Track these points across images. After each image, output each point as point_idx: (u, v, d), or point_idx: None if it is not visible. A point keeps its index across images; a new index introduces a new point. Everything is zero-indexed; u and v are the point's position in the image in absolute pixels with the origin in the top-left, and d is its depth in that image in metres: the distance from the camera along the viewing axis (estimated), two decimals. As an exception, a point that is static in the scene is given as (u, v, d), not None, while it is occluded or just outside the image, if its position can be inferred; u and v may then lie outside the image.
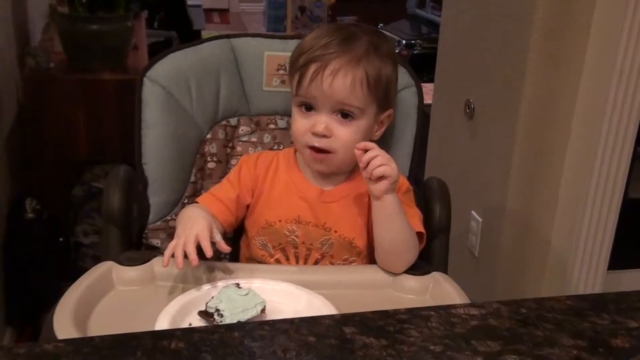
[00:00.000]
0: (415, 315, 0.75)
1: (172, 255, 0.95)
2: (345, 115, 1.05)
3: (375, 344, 0.69)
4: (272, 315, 0.92)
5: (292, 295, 0.96)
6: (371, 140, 1.08)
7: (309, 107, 1.06)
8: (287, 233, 1.09)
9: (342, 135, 1.05)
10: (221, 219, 1.08)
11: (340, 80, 1.02)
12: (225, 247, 0.98)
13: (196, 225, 0.98)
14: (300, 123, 1.07)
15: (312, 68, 1.03)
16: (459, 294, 0.99)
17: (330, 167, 1.09)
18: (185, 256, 0.95)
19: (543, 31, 1.49)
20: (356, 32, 1.06)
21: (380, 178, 0.99)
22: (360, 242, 1.09)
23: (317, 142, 1.05)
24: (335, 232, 1.08)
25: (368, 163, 0.99)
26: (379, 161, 0.98)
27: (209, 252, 0.95)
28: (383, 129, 1.11)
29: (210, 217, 1.04)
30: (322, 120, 1.04)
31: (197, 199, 1.12)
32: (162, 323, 0.87)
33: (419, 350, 0.68)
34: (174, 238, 0.99)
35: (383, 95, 1.07)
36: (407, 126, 1.20)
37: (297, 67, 1.06)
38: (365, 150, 0.99)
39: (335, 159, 1.07)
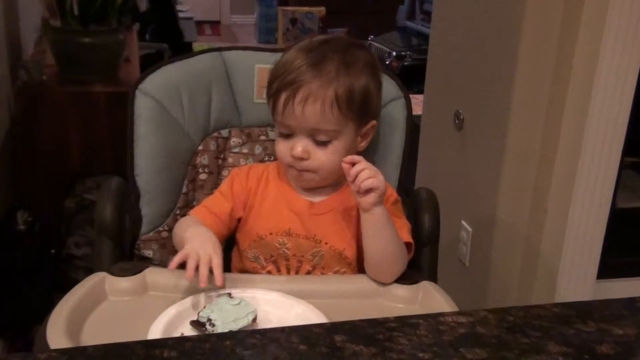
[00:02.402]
0: (404, 323, 0.76)
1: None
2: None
3: (364, 352, 0.70)
4: (263, 324, 0.92)
5: (284, 305, 0.97)
6: (357, 152, 1.10)
7: (287, 134, 1.07)
8: (278, 246, 1.10)
9: (320, 157, 1.06)
10: (215, 232, 1.08)
11: (310, 107, 1.03)
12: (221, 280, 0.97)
13: (210, 249, 0.97)
14: (282, 145, 1.08)
15: (283, 97, 1.04)
16: (448, 303, 1.00)
17: (313, 184, 1.10)
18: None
19: (531, 42, 1.51)
20: (327, 54, 1.05)
21: (368, 191, 1.00)
22: (350, 253, 1.10)
23: (297, 165, 1.07)
24: (326, 243, 1.09)
25: (356, 176, 1.00)
26: (367, 174, 0.99)
27: (219, 281, 0.95)
28: (368, 140, 1.12)
29: (217, 240, 1.02)
30: (300, 144, 1.06)
31: (191, 212, 1.12)
32: (155, 333, 0.87)
33: (407, 357, 0.70)
34: (185, 250, 0.97)
35: (360, 110, 1.07)
36: (396, 137, 1.21)
37: (270, 92, 1.07)
38: (353, 164, 1.00)
39: (314, 177, 1.08)
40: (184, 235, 1.04)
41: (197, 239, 1.00)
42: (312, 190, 1.12)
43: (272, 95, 1.06)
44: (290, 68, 1.04)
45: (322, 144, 1.06)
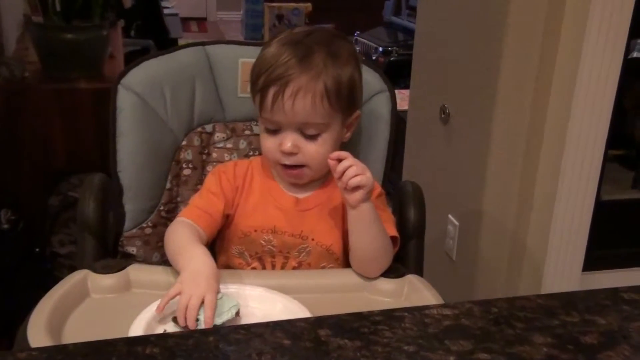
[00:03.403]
0: (389, 316, 0.75)
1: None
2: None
3: (349, 346, 0.70)
4: (247, 319, 0.92)
5: (268, 300, 0.97)
6: (342, 143, 1.10)
7: (274, 130, 1.06)
8: (264, 243, 1.09)
9: (310, 150, 1.05)
10: (208, 232, 1.07)
11: (301, 101, 1.01)
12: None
13: (203, 286, 0.91)
14: (269, 142, 1.07)
15: (272, 91, 1.02)
16: (434, 296, 1.00)
17: (304, 180, 1.10)
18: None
19: (515, 37, 1.51)
20: (312, 46, 1.04)
21: (356, 188, 0.99)
22: (337, 249, 1.10)
23: (287, 160, 1.06)
24: (313, 239, 1.09)
25: (343, 173, 0.99)
26: (354, 171, 0.98)
27: (208, 324, 0.88)
28: (352, 130, 1.12)
29: (218, 272, 0.96)
30: (289, 139, 1.05)
31: (182, 214, 1.09)
32: (136, 330, 0.87)
33: (392, 350, 0.69)
34: (175, 289, 0.91)
35: (348, 101, 1.06)
36: (380, 131, 1.20)
37: (257, 88, 1.05)
38: (339, 160, 0.99)
39: (308, 172, 1.08)
40: (179, 254, 0.99)
41: (189, 271, 0.94)
42: (297, 185, 1.11)
43: (259, 91, 1.04)
44: (277, 63, 1.02)
45: (311, 137, 1.05)
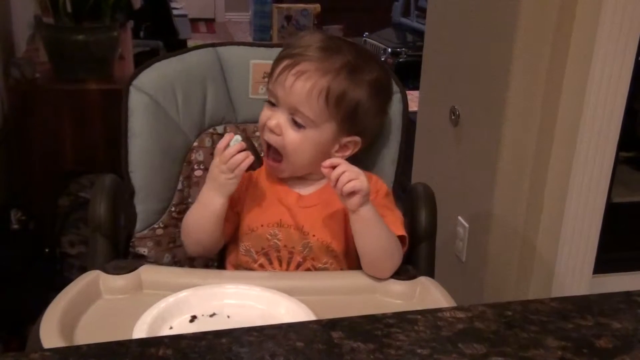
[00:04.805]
0: (402, 319, 0.75)
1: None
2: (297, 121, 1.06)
3: (362, 348, 0.69)
4: (256, 321, 0.92)
5: (272, 302, 0.96)
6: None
7: (272, 104, 1.08)
8: (269, 237, 1.09)
9: (291, 137, 1.06)
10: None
11: (301, 83, 1.03)
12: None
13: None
14: (264, 113, 1.09)
15: (283, 64, 1.05)
16: (445, 298, 0.99)
17: (283, 173, 1.11)
18: None
19: (526, 37, 1.51)
20: (342, 48, 1.06)
21: (352, 193, 0.99)
22: (338, 246, 1.10)
23: (267, 137, 1.08)
24: (314, 236, 1.09)
25: (337, 180, 0.99)
26: (348, 177, 0.98)
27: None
28: (346, 154, 1.10)
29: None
30: (277, 117, 1.06)
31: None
32: (141, 328, 0.87)
33: (406, 353, 0.69)
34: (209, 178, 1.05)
35: (347, 118, 1.06)
36: (392, 133, 1.20)
37: (276, 59, 1.08)
38: (333, 167, 0.99)
39: (285, 166, 1.09)
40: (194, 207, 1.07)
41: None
42: (302, 182, 1.12)
43: (276, 61, 1.07)
44: (302, 43, 1.06)
45: (298, 125, 1.06)
